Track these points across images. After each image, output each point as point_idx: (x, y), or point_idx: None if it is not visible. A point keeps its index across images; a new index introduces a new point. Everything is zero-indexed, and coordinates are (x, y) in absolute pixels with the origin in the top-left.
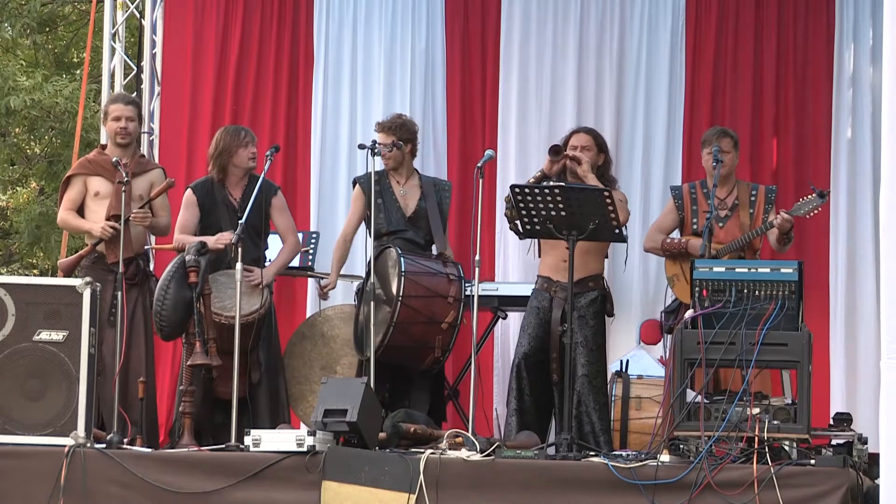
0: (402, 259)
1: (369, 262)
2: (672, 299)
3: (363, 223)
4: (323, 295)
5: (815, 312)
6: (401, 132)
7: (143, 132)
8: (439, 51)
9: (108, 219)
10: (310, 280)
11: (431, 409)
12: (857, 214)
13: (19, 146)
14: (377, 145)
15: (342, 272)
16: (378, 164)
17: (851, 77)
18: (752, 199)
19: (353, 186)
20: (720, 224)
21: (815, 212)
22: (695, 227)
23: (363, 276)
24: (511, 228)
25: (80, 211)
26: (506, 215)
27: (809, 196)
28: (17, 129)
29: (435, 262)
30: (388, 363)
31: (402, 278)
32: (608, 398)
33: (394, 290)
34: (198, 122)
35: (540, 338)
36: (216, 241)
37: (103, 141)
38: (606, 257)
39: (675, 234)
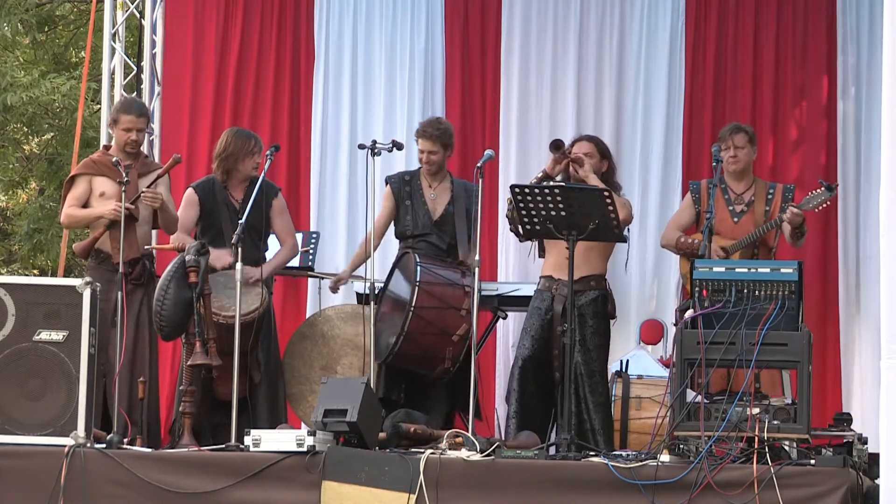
0: (418, 268)
1: (394, 263)
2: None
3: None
4: (335, 289)
5: (825, 312)
6: (443, 138)
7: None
8: (439, 51)
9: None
10: (310, 280)
11: (448, 415)
12: (861, 214)
13: (18, 143)
14: (376, 145)
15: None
16: (378, 164)
17: (851, 78)
18: (770, 196)
19: (385, 185)
20: (735, 220)
21: (824, 205)
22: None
23: (362, 276)
24: (512, 230)
25: None
26: (507, 216)
27: (818, 190)
28: (14, 126)
29: (453, 271)
30: (402, 368)
31: (416, 288)
32: (608, 397)
33: (407, 298)
34: (198, 121)
35: (542, 339)
36: (213, 260)
37: (104, 141)
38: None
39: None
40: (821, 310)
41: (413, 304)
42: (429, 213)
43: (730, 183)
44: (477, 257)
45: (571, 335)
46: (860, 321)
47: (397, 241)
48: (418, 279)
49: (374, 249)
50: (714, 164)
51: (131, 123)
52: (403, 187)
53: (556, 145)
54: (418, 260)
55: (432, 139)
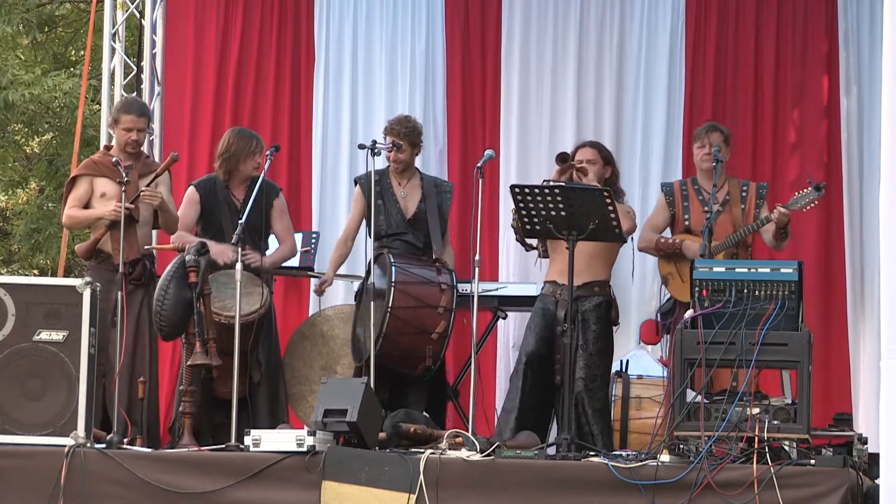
0: (393, 268)
1: (369, 263)
2: (666, 298)
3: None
4: (319, 291)
5: (831, 311)
6: (411, 136)
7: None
8: (440, 51)
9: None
10: (311, 280)
11: (430, 411)
12: (864, 214)
13: (18, 143)
14: (376, 145)
15: (342, 272)
16: (379, 164)
17: (852, 78)
18: (744, 194)
19: (355, 186)
20: None
21: (812, 205)
22: (686, 223)
23: (363, 276)
24: (517, 240)
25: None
26: (512, 226)
27: (806, 189)
28: (15, 126)
29: (429, 269)
30: (383, 368)
31: (392, 289)
32: (608, 403)
33: (385, 296)
34: (199, 121)
35: (546, 338)
36: (216, 255)
37: (104, 141)
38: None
39: (667, 233)
40: (826, 310)
41: (390, 305)
42: (401, 212)
43: (703, 183)
44: (477, 257)
45: (572, 335)
46: (864, 321)
47: (373, 241)
48: (394, 279)
49: (348, 251)
50: (714, 163)
51: (132, 123)
52: (374, 187)
53: (563, 158)
54: (392, 260)
55: (399, 136)
